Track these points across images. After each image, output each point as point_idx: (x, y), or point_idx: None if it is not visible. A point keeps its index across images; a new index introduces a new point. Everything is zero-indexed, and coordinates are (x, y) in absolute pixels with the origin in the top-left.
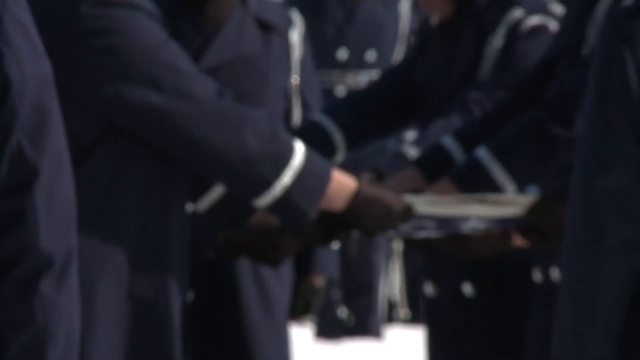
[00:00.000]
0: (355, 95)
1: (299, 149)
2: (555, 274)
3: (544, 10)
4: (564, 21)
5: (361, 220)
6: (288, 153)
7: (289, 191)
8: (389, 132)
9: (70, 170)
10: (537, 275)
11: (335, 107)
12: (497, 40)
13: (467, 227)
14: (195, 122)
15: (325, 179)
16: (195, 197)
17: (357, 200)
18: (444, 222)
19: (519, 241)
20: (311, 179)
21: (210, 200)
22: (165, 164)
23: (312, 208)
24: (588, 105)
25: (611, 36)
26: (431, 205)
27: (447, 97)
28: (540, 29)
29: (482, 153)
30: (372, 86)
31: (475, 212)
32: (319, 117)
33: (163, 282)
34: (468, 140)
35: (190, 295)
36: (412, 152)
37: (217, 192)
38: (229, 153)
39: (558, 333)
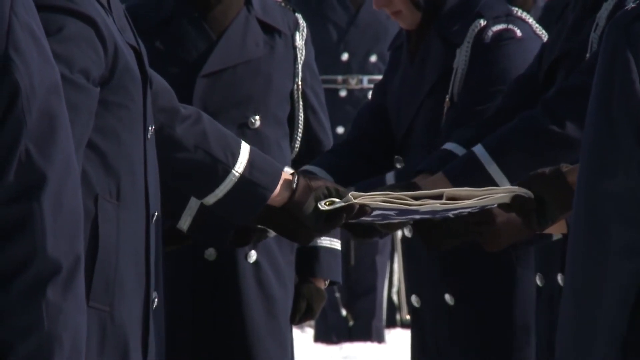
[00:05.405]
0: (339, 144)
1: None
2: (558, 278)
3: (508, 18)
4: (565, 25)
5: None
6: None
7: (249, 171)
8: (384, 165)
9: (77, 177)
10: (539, 280)
11: (323, 158)
12: (464, 53)
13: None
14: None
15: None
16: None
17: (299, 189)
18: (402, 211)
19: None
20: (264, 161)
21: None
22: (113, 174)
23: (272, 189)
24: (592, 108)
25: (614, 40)
26: (387, 202)
27: (417, 113)
28: (505, 35)
29: (479, 150)
30: (354, 128)
31: (431, 208)
32: (309, 167)
33: (116, 291)
34: (472, 143)
35: (155, 297)
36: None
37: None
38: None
39: (561, 336)
